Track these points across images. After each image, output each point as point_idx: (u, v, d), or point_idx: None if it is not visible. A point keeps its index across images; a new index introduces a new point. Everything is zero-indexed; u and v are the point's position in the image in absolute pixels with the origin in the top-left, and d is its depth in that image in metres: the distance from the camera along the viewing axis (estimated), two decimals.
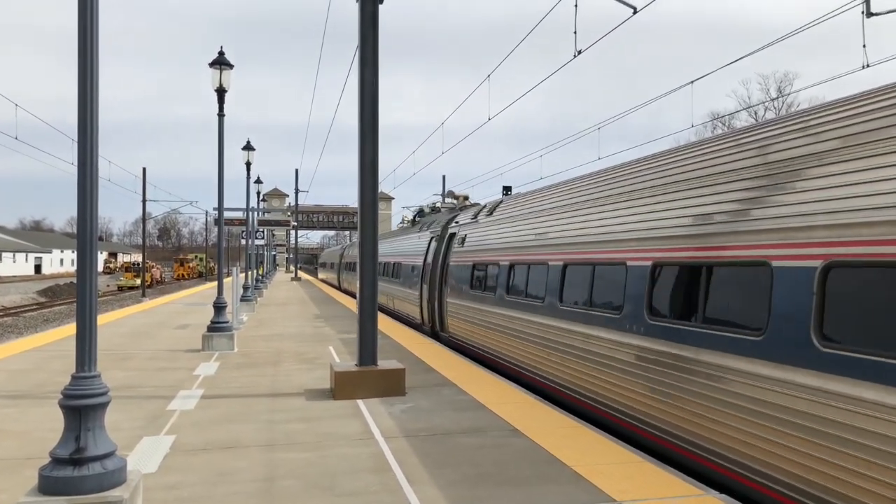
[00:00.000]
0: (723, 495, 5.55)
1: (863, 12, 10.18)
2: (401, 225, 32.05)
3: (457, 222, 17.23)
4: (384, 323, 18.74)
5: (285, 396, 9.53)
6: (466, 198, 21.58)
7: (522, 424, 7.77)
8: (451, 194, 22.12)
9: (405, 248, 23.13)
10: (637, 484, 5.77)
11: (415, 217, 26.03)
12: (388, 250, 26.71)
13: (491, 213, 14.70)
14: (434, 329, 17.75)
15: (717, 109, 66.35)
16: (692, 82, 16.04)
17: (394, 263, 24.54)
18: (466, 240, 15.51)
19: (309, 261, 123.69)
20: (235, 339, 14.46)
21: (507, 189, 21.19)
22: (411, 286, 20.58)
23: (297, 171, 62.86)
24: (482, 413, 8.40)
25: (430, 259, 18.52)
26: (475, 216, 15.75)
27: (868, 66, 11.38)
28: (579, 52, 13.10)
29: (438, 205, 23.58)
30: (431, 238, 18.97)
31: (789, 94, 56.60)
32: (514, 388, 10.01)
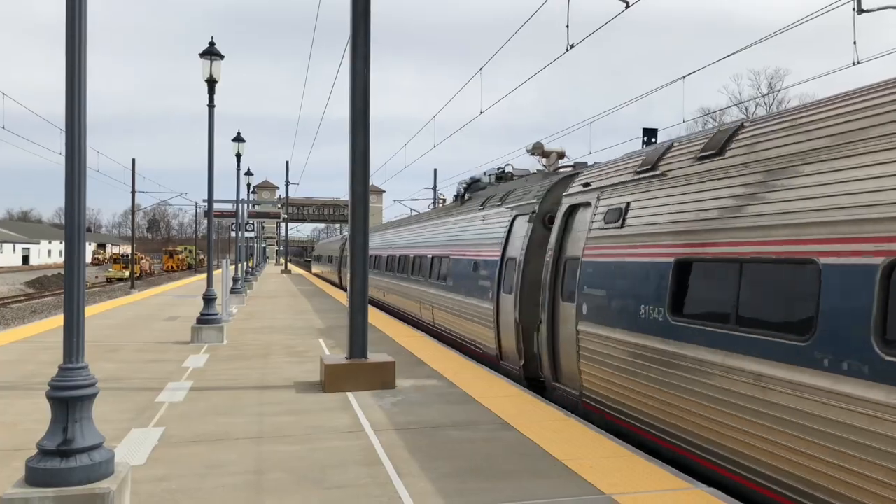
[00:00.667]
0: (711, 488, 5.58)
1: (854, 9, 10.22)
2: (433, 206, 25.44)
3: (586, 185, 9.54)
4: (388, 324, 18.68)
5: (275, 389, 9.51)
6: (562, 154, 14.09)
7: (513, 418, 7.79)
8: (538, 149, 13.96)
9: (456, 234, 15.92)
10: (626, 477, 5.80)
11: (464, 191, 17.59)
12: (417, 239, 20.15)
13: (720, 151, 6.92)
14: (530, 371, 10.77)
15: (709, 105, 66.62)
16: (683, 78, 16.09)
17: (432, 258, 17.44)
18: (631, 214, 8.04)
19: (299, 253, 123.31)
20: (225, 332, 14.40)
21: (649, 132, 13.42)
22: (473, 294, 13.49)
23: (287, 163, 62.64)
24: (472, 406, 8.41)
25: (516, 251, 11.53)
26: (651, 167, 8.03)
27: (858, 62, 11.44)
28: (572, 46, 13.12)
29: (508, 169, 16.09)
30: (515, 217, 12.08)
31: (780, 91, 56.88)
32: (504, 381, 10.02)
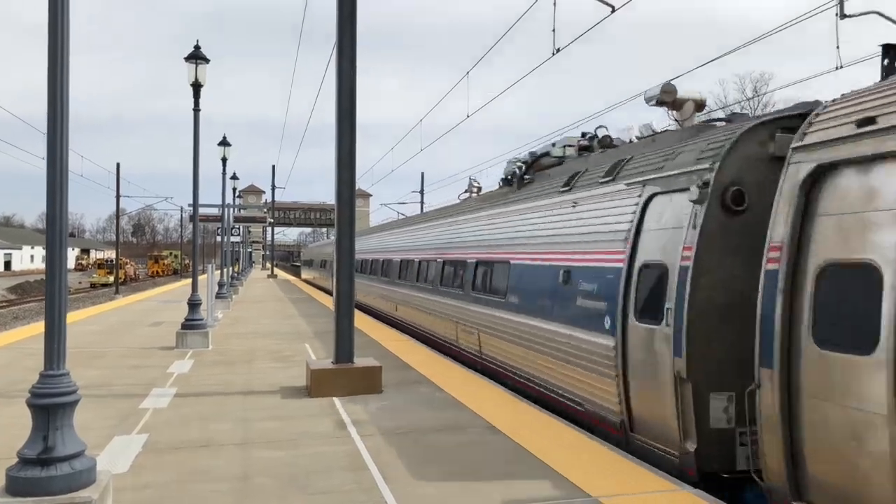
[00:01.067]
0: (697, 490, 5.61)
1: (837, 14, 10.34)
2: (467, 194, 17.80)
3: (866, 123, 5.07)
4: (375, 328, 18.60)
5: (260, 394, 9.44)
6: (701, 105, 9.75)
7: (500, 422, 7.78)
8: (669, 94, 9.46)
9: (519, 230, 11.32)
10: (613, 480, 5.80)
11: (523, 171, 12.63)
12: (447, 238, 15.66)
13: None
14: (709, 461, 6.35)
15: None
16: (669, 82, 16.18)
17: (476, 263, 13.02)
18: None
19: (285, 258, 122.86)
20: (210, 337, 14.30)
21: (891, 49, 7.36)
22: (562, 318, 8.96)
23: (273, 167, 62.52)
24: (459, 410, 8.39)
25: (669, 253, 7.07)
26: None
27: (841, 67, 11.57)
28: (558, 50, 13.18)
29: (601, 132, 11.36)
30: (653, 197, 7.65)
31: (765, 94, 57.41)
32: (491, 385, 10.01)
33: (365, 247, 26.35)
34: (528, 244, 10.68)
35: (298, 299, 30.35)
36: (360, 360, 9.90)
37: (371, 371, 9.52)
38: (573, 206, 9.55)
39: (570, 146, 11.84)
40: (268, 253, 79.77)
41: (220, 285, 26.28)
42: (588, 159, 10.70)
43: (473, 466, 6.21)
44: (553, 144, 12.28)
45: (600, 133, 11.16)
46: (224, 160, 29.71)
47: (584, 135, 11.73)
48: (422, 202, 55.41)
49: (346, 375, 9.38)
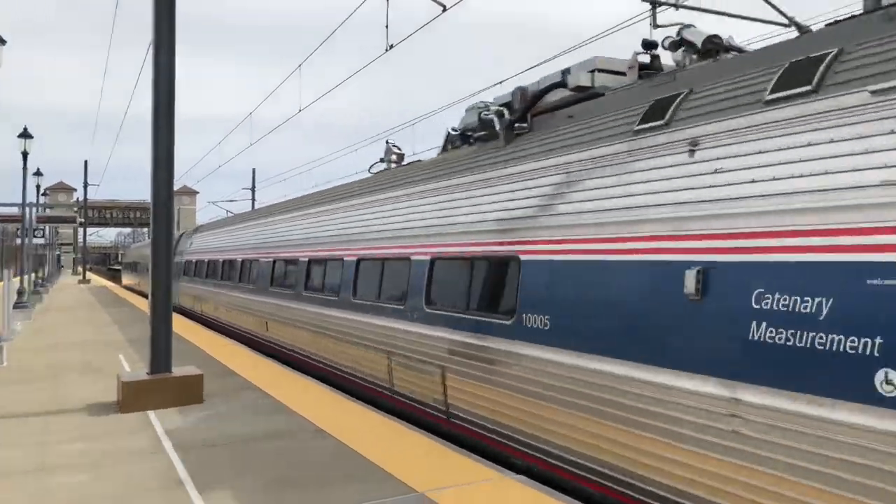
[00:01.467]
0: (521, 476, 5.82)
1: (651, 24, 11.26)
2: (384, 165, 13.43)
3: None
4: (196, 333, 17.50)
5: (64, 413, 8.55)
6: None
7: (329, 424, 7.61)
8: None
9: (540, 201, 6.90)
10: (443, 473, 5.86)
11: (516, 115, 8.24)
12: (393, 222, 10.13)
13: None
14: None
15: None
16: (501, 83, 16.76)
17: (430, 261, 8.53)
18: None
19: (102, 261, 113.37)
20: (5, 352, 12.78)
21: None
22: (713, 369, 4.59)
23: (86, 162, 57.26)
24: (286, 416, 8.11)
25: None
26: None
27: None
28: (391, 47, 13.20)
29: (693, 35, 6.77)
30: None
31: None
32: (320, 387, 9.79)
33: (222, 243, 21.03)
34: (560, 226, 6.50)
35: (114, 306, 28.04)
36: (179, 369, 9.28)
37: (191, 380, 8.95)
38: (690, 152, 5.42)
39: (607, 71, 7.82)
40: (80, 256, 73.12)
41: (20, 293, 23.73)
42: (678, 78, 6.42)
43: (299, 472, 6.01)
44: (566, 71, 8.13)
45: (691, 36, 6.86)
46: (25, 154, 26.85)
47: (647, 45, 7.56)
48: (253, 199, 53.46)
49: (162, 386, 8.74)
